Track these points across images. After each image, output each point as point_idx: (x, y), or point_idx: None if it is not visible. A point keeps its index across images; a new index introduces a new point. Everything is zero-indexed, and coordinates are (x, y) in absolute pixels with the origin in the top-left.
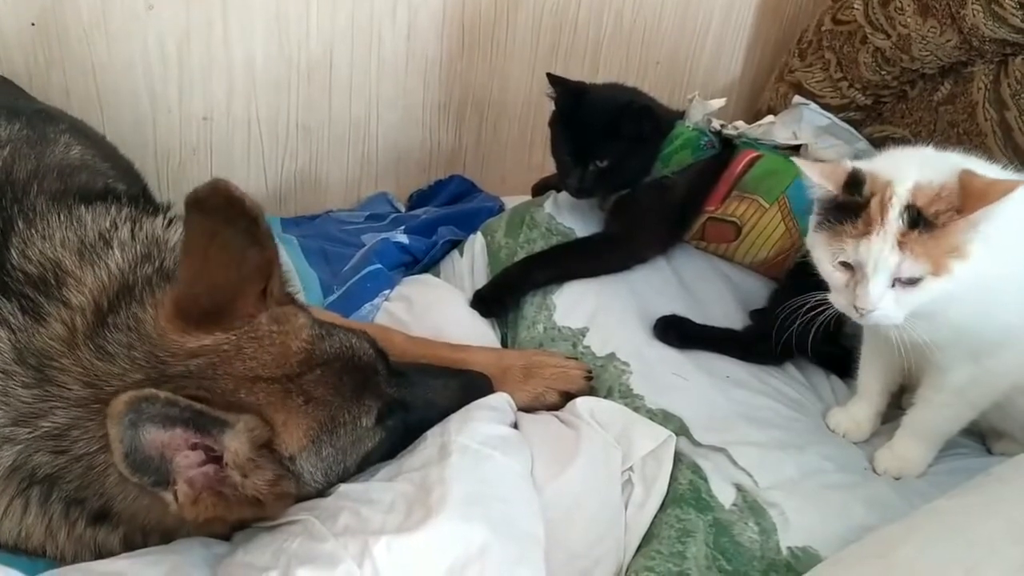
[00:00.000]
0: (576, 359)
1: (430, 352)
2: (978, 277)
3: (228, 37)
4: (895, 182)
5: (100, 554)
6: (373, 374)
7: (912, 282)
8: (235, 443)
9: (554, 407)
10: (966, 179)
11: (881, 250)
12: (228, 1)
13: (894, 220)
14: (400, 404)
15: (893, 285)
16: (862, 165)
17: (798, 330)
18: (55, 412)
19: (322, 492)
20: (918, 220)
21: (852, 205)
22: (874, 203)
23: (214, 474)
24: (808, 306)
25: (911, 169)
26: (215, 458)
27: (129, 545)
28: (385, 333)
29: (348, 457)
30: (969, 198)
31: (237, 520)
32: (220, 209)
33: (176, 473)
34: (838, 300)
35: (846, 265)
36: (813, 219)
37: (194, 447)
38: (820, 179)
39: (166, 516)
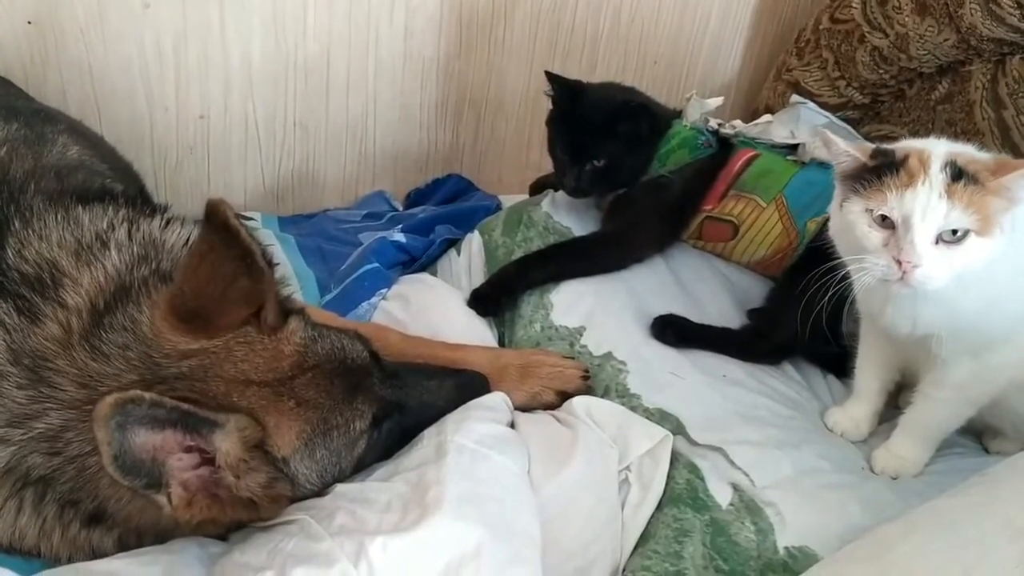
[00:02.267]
0: (573, 359)
1: (427, 351)
2: (995, 261)
3: (225, 36)
4: (927, 149)
5: (95, 555)
6: (366, 376)
7: (956, 240)
8: (226, 443)
9: (551, 406)
10: (1000, 158)
11: (929, 197)
12: (225, 0)
13: (937, 172)
14: (395, 406)
15: (936, 243)
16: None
17: (827, 309)
18: (49, 413)
19: (318, 493)
20: (961, 174)
21: (884, 165)
22: (913, 160)
23: (208, 476)
24: (835, 281)
25: (937, 146)
26: (208, 460)
27: (123, 546)
28: (381, 332)
29: (343, 459)
30: (1004, 166)
31: (232, 521)
32: (218, 230)
33: (169, 476)
34: (877, 262)
35: (885, 222)
36: (837, 194)
37: (188, 449)
38: (848, 147)
39: (160, 518)
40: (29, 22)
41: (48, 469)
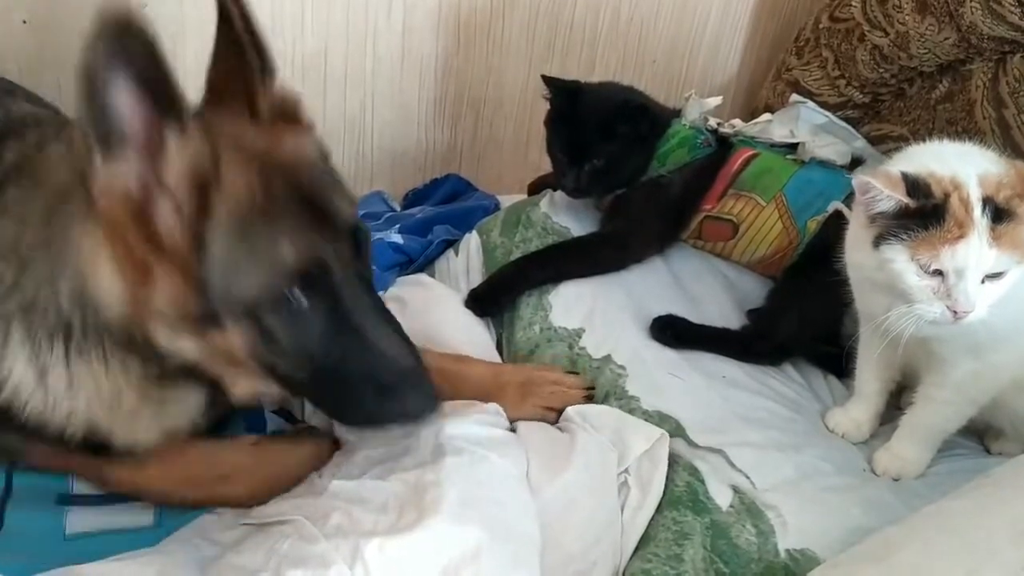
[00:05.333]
0: (576, 374)
1: (430, 362)
2: None
3: None
4: (960, 177)
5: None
6: (334, 236)
7: (998, 274)
8: (179, 158)
9: (551, 422)
10: (1020, 170)
11: (980, 249)
12: None
13: (980, 217)
14: (334, 294)
15: (983, 281)
16: (901, 167)
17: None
18: None
19: (211, 316)
20: (999, 213)
21: (927, 210)
22: (955, 204)
23: (148, 183)
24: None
25: (960, 163)
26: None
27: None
28: None
29: (250, 279)
30: None
31: (133, 285)
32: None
33: (123, 140)
34: (931, 310)
35: (933, 271)
36: (871, 231)
37: (146, 141)
38: (890, 190)
39: (90, 255)
40: (24, 21)
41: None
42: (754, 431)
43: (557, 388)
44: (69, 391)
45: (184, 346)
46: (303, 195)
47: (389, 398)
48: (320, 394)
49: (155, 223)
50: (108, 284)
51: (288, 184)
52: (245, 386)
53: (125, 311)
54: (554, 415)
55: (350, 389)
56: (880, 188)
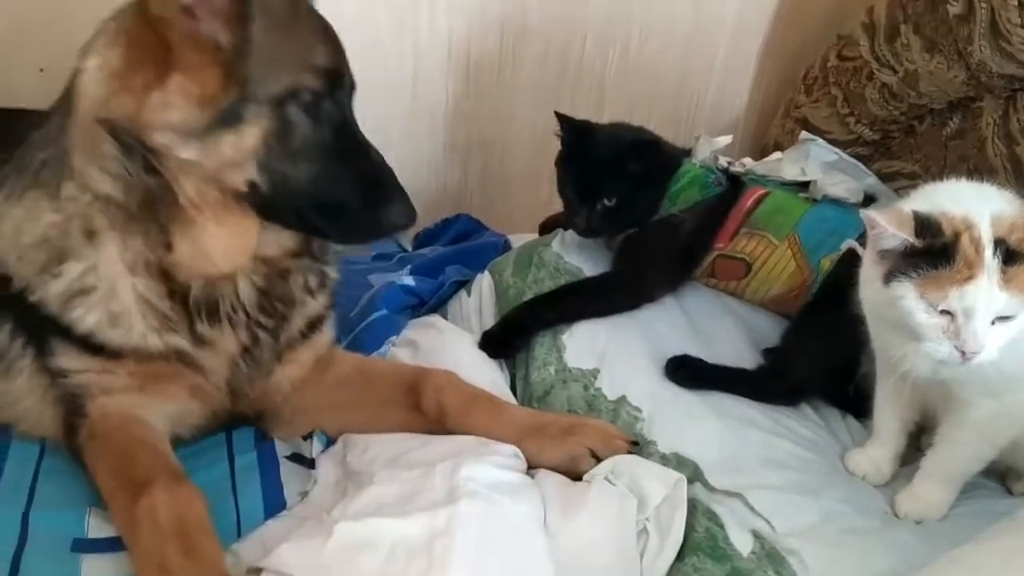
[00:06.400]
0: (619, 430)
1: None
2: None
3: None
4: (972, 217)
5: None
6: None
7: (1007, 316)
8: None
9: (584, 471)
10: None
11: (989, 292)
12: None
13: (991, 259)
14: (341, 109)
15: (992, 323)
16: (914, 206)
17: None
18: None
19: (235, 112)
20: (1011, 255)
21: (936, 248)
22: (966, 244)
23: None
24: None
25: (974, 202)
26: None
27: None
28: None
29: (283, 72)
30: None
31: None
32: None
33: None
34: (939, 348)
35: (945, 311)
36: (880, 267)
37: None
38: (896, 229)
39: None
40: (41, 70)
41: None
42: (773, 473)
43: (604, 434)
44: None
45: (184, 152)
46: (322, 18)
47: (376, 208)
48: (311, 211)
49: (200, 23)
50: (106, 91)
51: (310, 6)
52: (219, 214)
53: (123, 113)
54: (590, 460)
55: (343, 201)
56: (885, 226)
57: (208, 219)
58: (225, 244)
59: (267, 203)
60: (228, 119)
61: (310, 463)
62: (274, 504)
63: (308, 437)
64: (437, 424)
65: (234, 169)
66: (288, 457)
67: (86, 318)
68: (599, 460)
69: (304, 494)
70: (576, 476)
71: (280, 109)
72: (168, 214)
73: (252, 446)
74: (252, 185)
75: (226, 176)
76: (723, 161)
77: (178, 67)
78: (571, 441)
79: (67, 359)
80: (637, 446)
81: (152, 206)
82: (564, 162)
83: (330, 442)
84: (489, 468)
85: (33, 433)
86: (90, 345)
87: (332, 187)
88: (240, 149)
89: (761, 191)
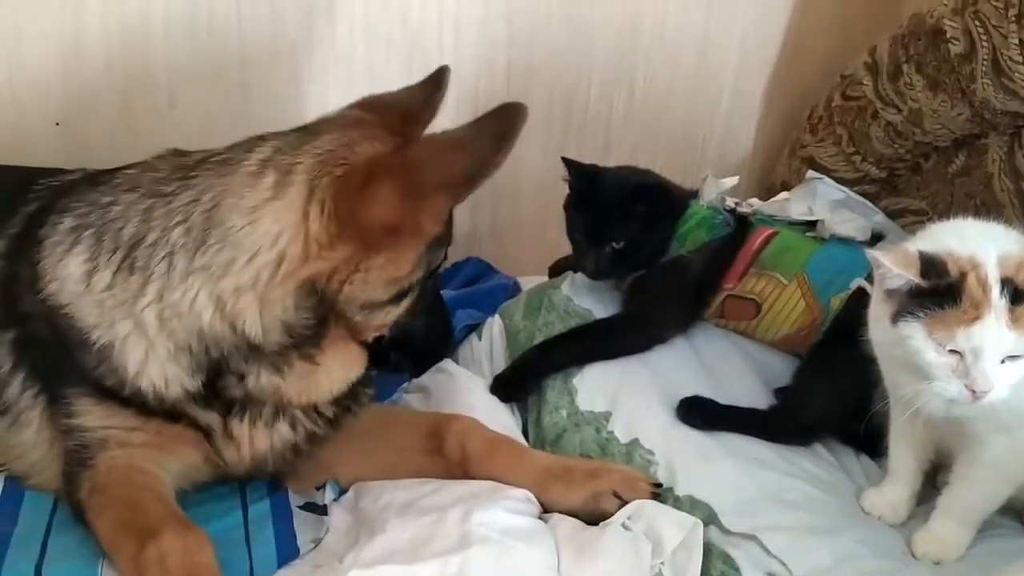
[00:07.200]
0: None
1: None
2: None
3: (252, 131)
4: (978, 257)
5: None
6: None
7: (1017, 355)
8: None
9: (604, 516)
10: None
11: (997, 332)
12: (251, 93)
13: (998, 299)
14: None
15: (1003, 361)
16: (920, 247)
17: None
18: None
19: (408, 288)
20: (1018, 295)
21: (942, 288)
22: (972, 284)
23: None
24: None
25: (980, 242)
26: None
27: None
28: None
29: (436, 258)
30: None
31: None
32: None
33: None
34: (948, 388)
35: (953, 351)
36: (888, 306)
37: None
38: (901, 269)
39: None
40: (57, 123)
41: None
42: (787, 514)
43: (628, 478)
44: None
45: (355, 317)
46: None
47: (441, 341)
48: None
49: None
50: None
51: None
52: (341, 353)
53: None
54: (614, 501)
55: (428, 338)
56: (889, 266)
57: (329, 358)
58: (335, 377)
59: (378, 344)
60: (400, 296)
61: (323, 510)
62: (288, 553)
63: (321, 487)
64: (459, 468)
65: (380, 329)
66: (301, 507)
67: (129, 367)
68: (622, 502)
69: (317, 541)
70: (595, 520)
71: (426, 282)
72: (296, 353)
73: (265, 495)
74: (381, 336)
75: (368, 333)
76: (730, 202)
77: (383, 250)
78: (594, 482)
79: (91, 416)
80: (660, 488)
81: (287, 348)
82: (572, 205)
83: (343, 491)
84: (502, 513)
85: (42, 488)
86: (119, 397)
87: (427, 332)
88: (394, 316)
89: (769, 231)
